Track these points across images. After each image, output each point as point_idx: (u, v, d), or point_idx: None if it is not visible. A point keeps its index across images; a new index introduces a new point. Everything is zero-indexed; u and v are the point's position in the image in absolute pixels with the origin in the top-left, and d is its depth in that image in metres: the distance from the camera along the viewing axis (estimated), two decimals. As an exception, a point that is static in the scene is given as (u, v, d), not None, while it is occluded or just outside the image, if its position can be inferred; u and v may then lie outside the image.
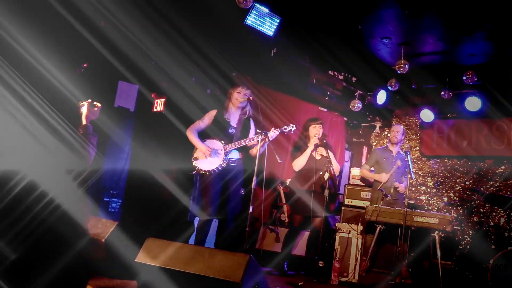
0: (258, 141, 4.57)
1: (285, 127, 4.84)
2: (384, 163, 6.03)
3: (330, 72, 7.43)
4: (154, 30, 5.35)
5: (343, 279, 5.30)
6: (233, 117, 4.98)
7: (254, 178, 4.39)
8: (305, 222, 5.57)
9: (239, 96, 4.90)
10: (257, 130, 4.73)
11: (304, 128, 5.74)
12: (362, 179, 6.82)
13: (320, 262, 5.65)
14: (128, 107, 6.21)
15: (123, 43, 5.24)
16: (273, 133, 4.68)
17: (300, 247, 6.07)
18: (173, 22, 5.35)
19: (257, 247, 6.16)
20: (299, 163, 5.56)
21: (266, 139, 4.60)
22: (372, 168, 6.21)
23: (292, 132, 4.93)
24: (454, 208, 7.64)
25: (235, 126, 4.93)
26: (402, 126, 6.41)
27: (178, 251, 3.21)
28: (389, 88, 7.25)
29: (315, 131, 5.58)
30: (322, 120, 5.84)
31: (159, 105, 6.62)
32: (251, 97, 4.81)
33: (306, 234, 5.94)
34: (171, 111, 5.91)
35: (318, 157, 5.63)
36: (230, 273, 2.91)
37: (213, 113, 4.95)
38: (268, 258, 5.85)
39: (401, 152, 6.18)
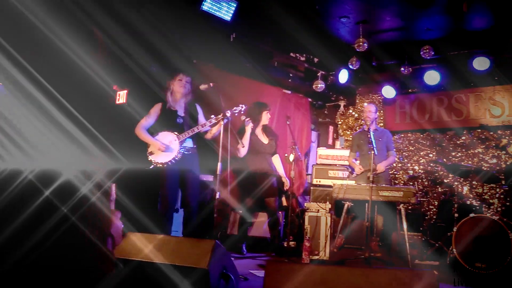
0: (212, 122, 4.67)
1: (234, 108, 4.82)
2: (362, 145, 6.15)
3: (291, 54, 7.43)
4: (109, 19, 5.23)
5: (314, 257, 5.37)
6: (179, 106, 4.95)
7: (219, 164, 4.38)
8: (258, 204, 5.62)
9: (181, 83, 4.87)
10: (212, 115, 4.72)
11: (256, 112, 5.71)
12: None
13: (291, 242, 5.72)
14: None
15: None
16: (227, 115, 4.67)
17: (261, 228, 6.12)
18: (129, 12, 5.24)
19: (228, 233, 6.16)
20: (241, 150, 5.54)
21: (221, 122, 4.60)
22: (357, 153, 6.34)
23: (242, 112, 4.94)
24: (419, 180, 7.82)
25: (183, 115, 4.92)
26: (374, 104, 6.47)
27: (143, 242, 3.18)
28: (350, 66, 7.31)
29: (267, 118, 5.70)
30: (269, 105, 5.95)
31: (121, 97, 6.50)
32: (211, 84, 4.76)
33: (263, 215, 6.01)
34: (134, 103, 5.82)
35: (266, 141, 5.70)
36: (197, 260, 2.90)
37: (158, 106, 4.90)
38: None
39: (379, 129, 6.29)
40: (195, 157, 4.90)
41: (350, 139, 7.98)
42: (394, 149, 6.33)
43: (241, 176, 5.57)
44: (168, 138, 4.74)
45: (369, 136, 5.47)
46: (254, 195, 5.56)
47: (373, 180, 5.19)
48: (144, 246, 3.16)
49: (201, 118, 5.02)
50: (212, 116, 4.72)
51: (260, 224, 6.18)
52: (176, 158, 4.68)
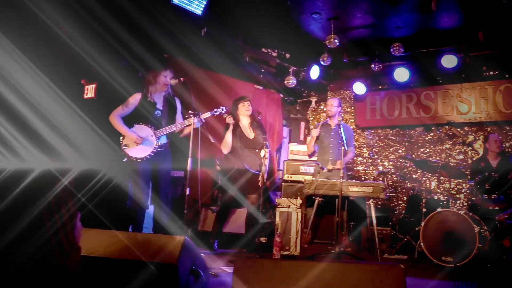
0: (192, 122, 4.53)
1: (215, 109, 4.85)
2: (323, 137, 6.18)
3: (263, 50, 7.44)
4: (79, 12, 5.12)
5: (285, 252, 5.41)
6: (158, 99, 4.91)
7: (189, 159, 4.35)
8: (238, 200, 5.61)
9: (166, 79, 4.83)
10: (190, 111, 4.68)
11: (233, 108, 5.71)
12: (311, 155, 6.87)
13: (263, 238, 5.73)
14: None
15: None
16: (204, 115, 4.67)
17: (237, 224, 6.13)
18: (99, 5, 5.14)
19: (199, 229, 6.15)
20: (224, 143, 5.54)
21: (191, 121, 4.56)
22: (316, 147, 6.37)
23: (223, 114, 4.95)
24: (389, 175, 7.96)
25: (162, 108, 4.88)
26: (337, 98, 6.53)
27: (111, 239, 3.14)
28: (322, 63, 7.35)
29: (245, 109, 5.62)
30: (250, 97, 5.89)
31: (90, 91, 6.40)
32: (182, 79, 4.73)
33: (243, 212, 6.00)
34: (103, 97, 5.74)
35: (251, 136, 5.65)
36: (165, 256, 2.88)
37: (137, 96, 4.82)
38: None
39: (341, 124, 6.34)
40: (167, 153, 4.88)
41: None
42: (354, 146, 6.35)
43: (226, 172, 5.57)
44: (144, 132, 4.69)
45: (339, 132, 5.54)
46: (236, 191, 5.54)
47: (331, 172, 5.33)
48: (111, 242, 3.12)
49: (178, 114, 4.98)
50: (195, 113, 4.62)
51: (235, 220, 6.19)
52: (152, 154, 4.64)
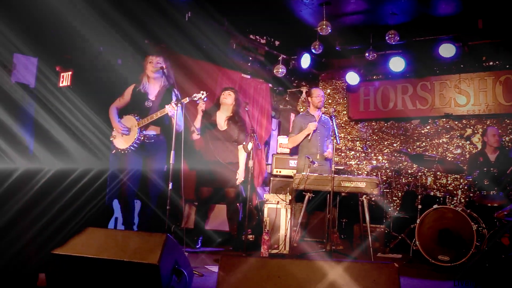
0: (174, 112, 4.51)
1: (194, 94, 4.74)
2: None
3: (251, 36, 7.39)
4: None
5: (274, 251, 5.40)
6: (152, 90, 4.89)
7: (172, 152, 4.32)
8: (215, 194, 5.62)
9: (151, 66, 4.80)
10: (173, 101, 4.64)
11: (220, 96, 5.75)
12: (293, 148, 6.84)
13: (250, 236, 5.73)
14: (28, 83, 5.85)
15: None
16: (184, 101, 4.61)
17: (218, 221, 6.13)
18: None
19: (182, 226, 6.12)
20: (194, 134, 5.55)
21: (177, 108, 4.52)
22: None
23: (203, 99, 4.85)
24: (383, 170, 7.99)
25: (153, 99, 4.84)
26: (321, 89, 6.54)
27: (89, 236, 3.11)
28: (313, 51, 7.32)
29: (223, 97, 5.66)
30: (235, 88, 5.90)
31: (65, 79, 6.33)
32: (164, 65, 4.69)
33: (223, 207, 5.99)
34: (80, 85, 5.68)
35: (223, 128, 5.64)
36: (146, 255, 2.86)
37: (131, 88, 4.89)
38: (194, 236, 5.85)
39: (324, 116, 6.34)
40: (159, 146, 4.82)
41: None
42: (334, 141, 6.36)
43: (199, 163, 5.56)
44: (129, 122, 4.74)
45: (331, 124, 5.54)
46: (212, 184, 5.54)
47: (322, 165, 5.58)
48: (88, 240, 3.09)
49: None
50: (175, 101, 4.58)
51: (216, 217, 6.17)
52: (135, 145, 4.62)
